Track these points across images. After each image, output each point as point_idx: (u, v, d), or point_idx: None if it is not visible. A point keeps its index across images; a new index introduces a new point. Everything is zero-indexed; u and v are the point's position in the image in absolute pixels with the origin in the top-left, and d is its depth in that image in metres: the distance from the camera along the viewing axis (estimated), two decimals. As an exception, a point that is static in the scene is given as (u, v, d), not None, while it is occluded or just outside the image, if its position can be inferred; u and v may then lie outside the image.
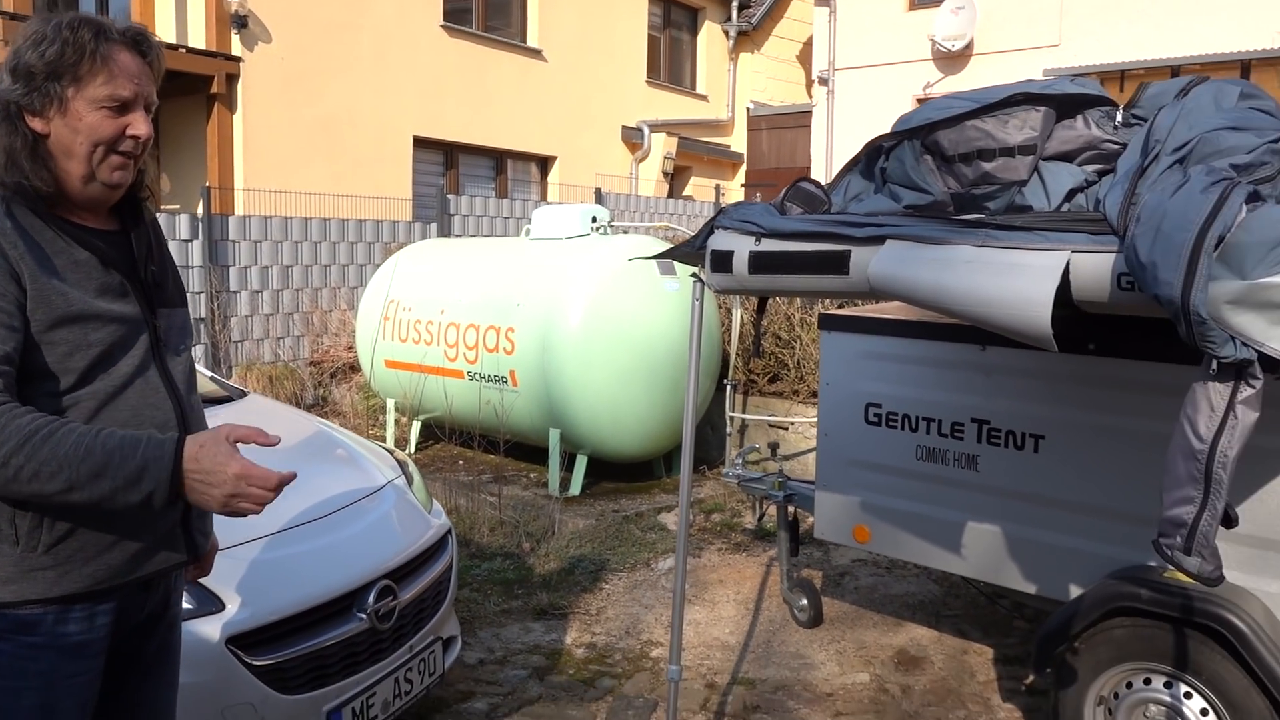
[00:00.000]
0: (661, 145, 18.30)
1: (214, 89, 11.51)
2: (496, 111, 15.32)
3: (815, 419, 7.66)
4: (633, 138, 17.98)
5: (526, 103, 15.83)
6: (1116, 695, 3.44)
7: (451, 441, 7.92)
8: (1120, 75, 14.30)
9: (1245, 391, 2.04)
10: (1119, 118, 2.73)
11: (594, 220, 7.51)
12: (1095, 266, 2.29)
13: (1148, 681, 3.36)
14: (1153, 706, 3.36)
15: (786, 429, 7.85)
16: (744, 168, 20.52)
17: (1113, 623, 3.41)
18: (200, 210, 10.14)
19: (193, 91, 11.43)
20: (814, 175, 17.49)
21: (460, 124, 14.74)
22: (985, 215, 2.61)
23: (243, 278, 10.19)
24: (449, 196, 12.15)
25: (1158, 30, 14.08)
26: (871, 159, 3.08)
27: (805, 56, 20.52)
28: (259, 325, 10.28)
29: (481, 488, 7.24)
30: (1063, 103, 2.77)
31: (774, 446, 5.46)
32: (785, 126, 19.89)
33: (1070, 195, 2.75)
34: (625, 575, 5.75)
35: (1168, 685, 3.32)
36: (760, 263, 2.89)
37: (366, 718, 3.33)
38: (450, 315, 7.58)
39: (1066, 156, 2.79)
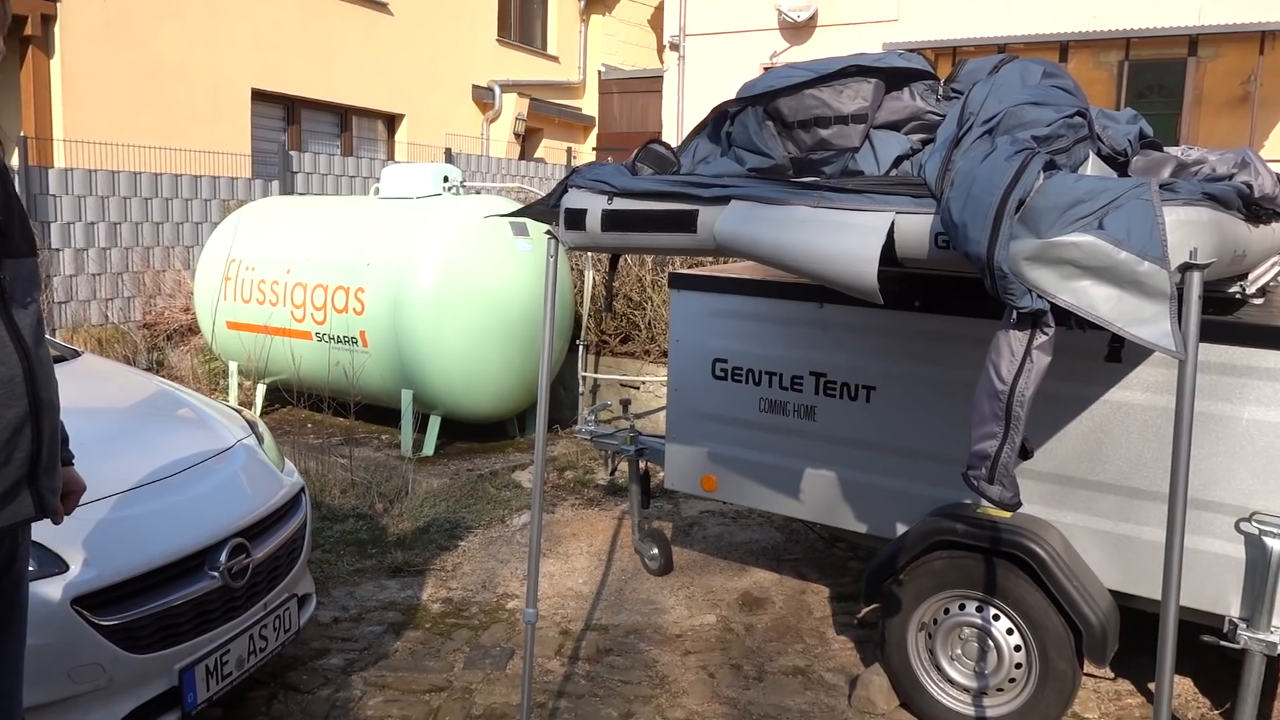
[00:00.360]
0: (513, 106, 18.13)
1: (28, 31, 10.71)
2: (340, 66, 14.83)
3: (666, 378, 7.90)
4: (483, 98, 17.74)
5: (372, 58, 15.38)
6: (936, 621, 3.77)
7: (299, 405, 7.76)
8: (953, 51, 15.08)
9: (1040, 338, 2.30)
10: (940, 91, 2.97)
11: (446, 180, 7.46)
12: (916, 227, 2.52)
13: (962, 607, 3.71)
14: (966, 629, 3.71)
15: (638, 388, 8.05)
16: (595, 131, 20.58)
17: (933, 556, 3.74)
18: (16, 162, 9.46)
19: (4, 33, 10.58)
20: (665, 139, 17.74)
21: (301, 78, 14.20)
22: (820, 179, 2.80)
23: (65, 234, 9.59)
24: (291, 153, 11.72)
25: (986, 10, 14.89)
26: (718, 124, 3.23)
27: (657, 21, 20.67)
28: (85, 285, 9.72)
29: (332, 450, 7.14)
30: (891, 76, 2.99)
31: (625, 403, 5.63)
32: (637, 91, 20.05)
33: (897, 162, 2.98)
34: (481, 532, 5.83)
35: (979, 609, 3.67)
36: (612, 221, 3.01)
37: (220, 675, 3.32)
38: (297, 275, 7.40)
39: (894, 126, 3.01)
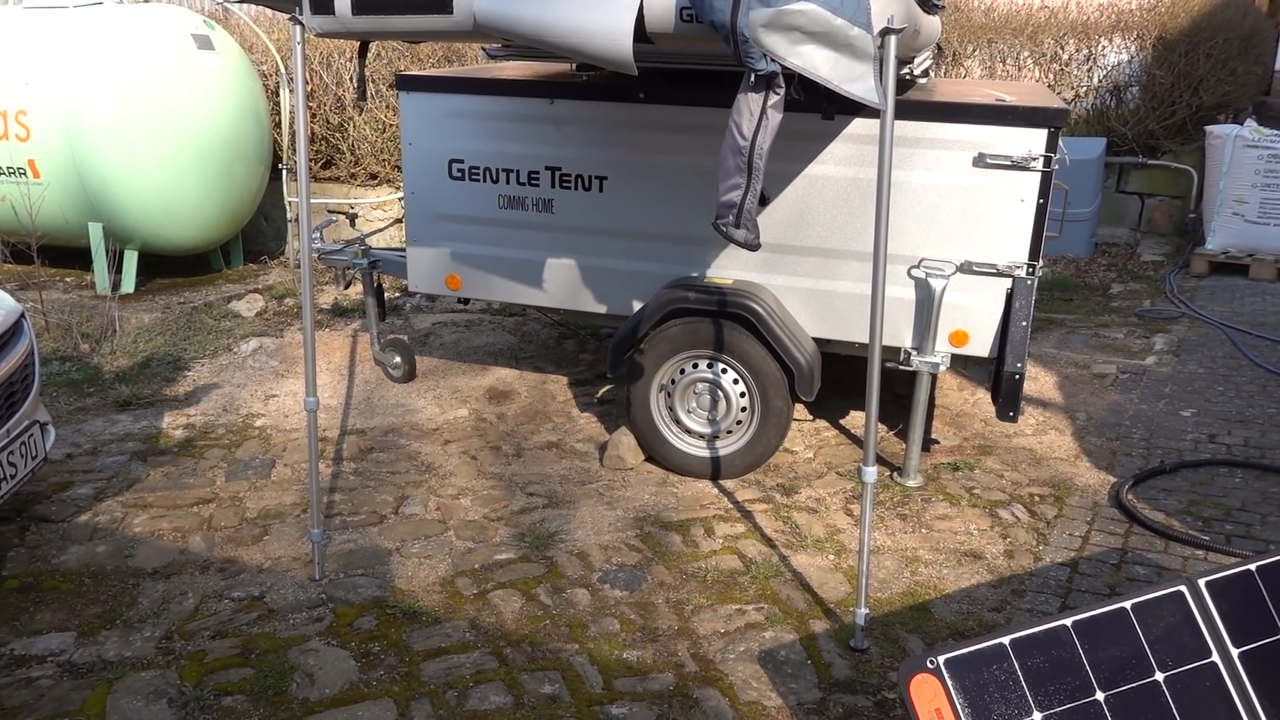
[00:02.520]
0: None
1: None
2: None
3: (375, 201, 7.81)
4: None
5: None
6: (673, 381, 4.29)
7: (-42, 249, 6.90)
8: None
9: (773, 97, 2.69)
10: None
11: (106, -13, 6.68)
12: (663, 2, 2.78)
13: (695, 366, 4.24)
14: (699, 384, 4.26)
15: (345, 213, 7.88)
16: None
17: (669, 324, 4.21)
18: None
19: None
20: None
21: None
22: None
23: None
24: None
25: None
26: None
27: None
28: None
29: (12, 295, 6.47)
30: None
31: (353, 219, 5.59)
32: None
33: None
34: (208, 362, 5.66)
35: (710, 366, 4.22)
36: (364, 4, 3.00)
37: (-23, 502, 3.17)
38: (-68, 99, 6.43)
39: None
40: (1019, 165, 3.80)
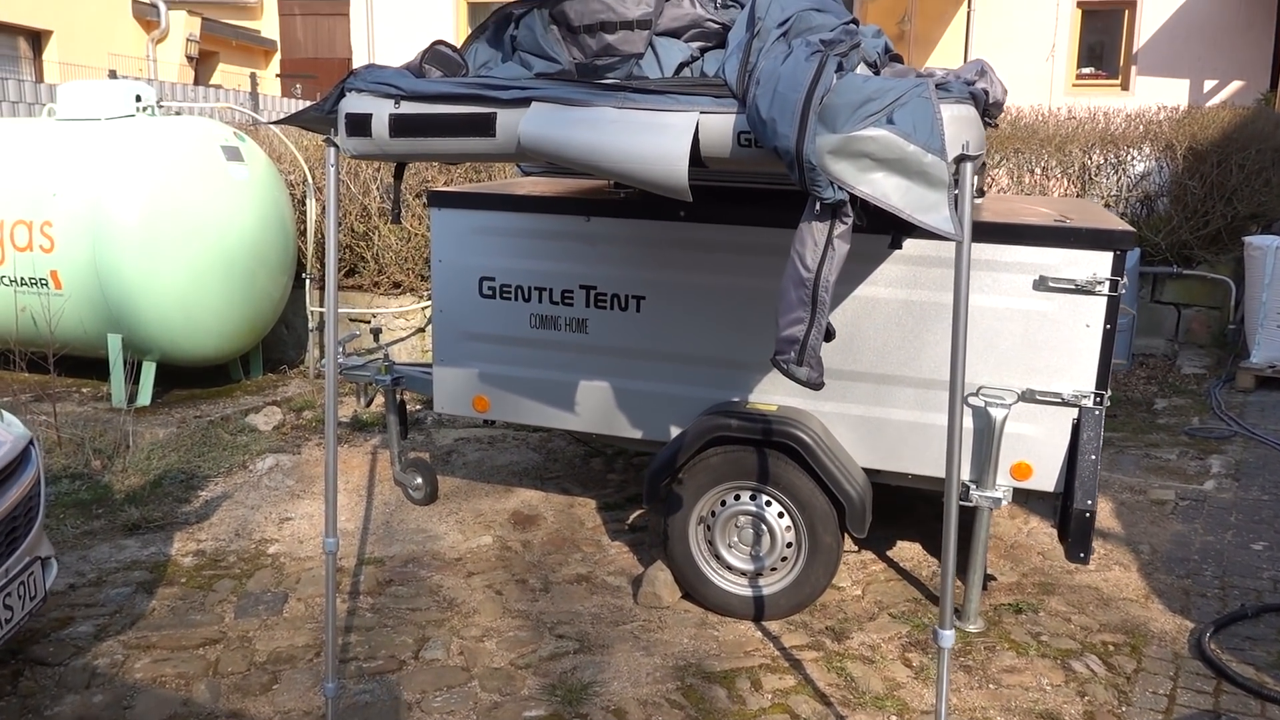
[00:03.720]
0: (183, 26, 16.48)
1: None
2: (-32, -29, 12.76)
3: (398, 310, 7.68)
4: (147, 15, 15.98)
5: (7, -37, 13.35)
6: (713, 513, 4.03)
7: (-25, 360, 6.77)
8: None
9: (839, 227, 2.50)
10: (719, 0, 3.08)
11: (139, 99, 6.68)
12: (720, 126, 2.62)
13: (737, 497, 3.98)
14: (741, 517, 3.99)
15: (368, 322, 7.75)
16: (279, 56, 19.19)
17: (709, 452, 3.97)
18: None
19: None
20: (355, 65, 16.88)
21: (-82, -17, 12.08)
22: (621, 80, 2.83)
23: None
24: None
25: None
26: (501, 27, 3.15)
27: (340, -61, 19.47)
28: None
29: (27, 408, 6.31)
30: (672, -17, 3.06)
31: (376, 332, 5.43)
32: (322, 13, 18.87)
33: (679, 69, 3.07)
34: (222, 480, 5.43)
35: (753, 497, 3.96)
36: (403, 126, 2.86)
37: (-35, 653, 2.91)
38: (-42, 210, 6.38)
39: (674, 33, 3.09)
40: (1084, 289, 3.60)
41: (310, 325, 7.61)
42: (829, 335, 2.64)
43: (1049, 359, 3.70)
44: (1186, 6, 14.22)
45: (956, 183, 2.50)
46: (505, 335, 4.41)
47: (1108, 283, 3.58)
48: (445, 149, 2.89)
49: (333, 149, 3.01)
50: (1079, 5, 14.66)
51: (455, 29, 16.36)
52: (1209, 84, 14.56)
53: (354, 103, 2.95)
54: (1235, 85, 14.30)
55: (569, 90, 2.72)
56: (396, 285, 7.71)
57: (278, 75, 19.01)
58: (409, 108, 2.88)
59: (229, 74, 17.68)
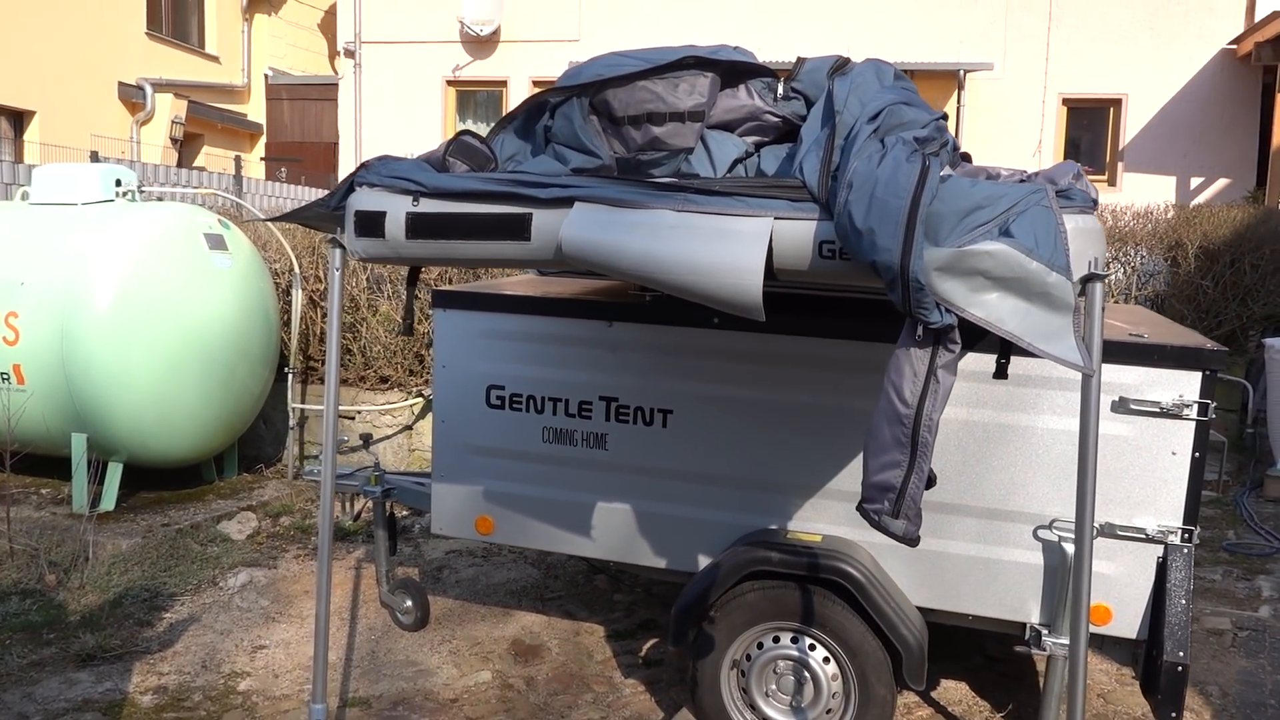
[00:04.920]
0: (168, 108, 16.24)
1: None
2: (-51, 49, 12.48)
3: (383, 406, 7.23)
4: (132, 97, 15.74)
5: (-10, 42, 13.11)
6: (749, 657, 3.56)
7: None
8: (637, 74, 15.39)
9: (944, 356, 2.12)
10: (780, 90, 2.76)
11: (119, 184, 6.30)
12: (797, 233, 2.26)
13: (776, 640, 3.53)
14: (781, 663, 3.53)
15: (353, 418, 7.29)
16: (264, 139, 18.98)
17: (745, 587, 3.53)
18: None
19: None
20: (344, 151, 16.71)
21: (-103, 60, 11.77)
22: (679, 179, 2.47)
23: None
24: (-113, 149, 9.59)
25: (664, 34, 15.36)
26: (532, 116, 2.81)
27: (328, 26, 19.50)
28: None
29: (-26, 512, 5.76)
30: (726, 70, 2.74)
31: (366, 438, 4.97)
32: (309, 98, 18.72)
33: (733, 166, 2.73)
34: (190, 599, 4.90)
35: (794, 640, 3.50)
36: (422, 226, 2.49)
37: None
38: (-84, 297, 5.92)
39: (728, 126, 2.76)
40: (1169, 413, 3.23)
41: (291, 422, 7.13)
42: (930, 482, 2.23)
43: (1130, 490, 3.31)
44: (1171, 105, 14.34)
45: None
46: (514, 450, 3.97)
47: (1196, 406, 3.22)
48: (471, 253, 2.51)
49: (338, 250, 2.63)
50: (1065, 102, 14.76)
51: (444, 115, 16.25)
52: (1195, 181, 14.61)
53: (365, 199, 2.57)
54: (1222, 183, 14.35)
55: (618, 189, 2.35)
56: (384, 380, 7.27)
57: (262, 159, 18.76)
58: (429, 205, 2.51)
59: (213, 156, 17.41)
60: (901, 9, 14.52)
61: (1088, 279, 2.11)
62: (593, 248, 2.29)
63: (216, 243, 6.23)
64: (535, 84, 15.90)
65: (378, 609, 4.85)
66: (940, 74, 14.25)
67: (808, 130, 2.45)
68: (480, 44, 16.07)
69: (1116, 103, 14.51)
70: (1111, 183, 14.84)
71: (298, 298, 7.02)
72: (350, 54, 16.61)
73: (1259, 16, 13.36)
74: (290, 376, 7.04)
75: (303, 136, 18.74)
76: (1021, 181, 2.43)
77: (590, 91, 2.67)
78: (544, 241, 2.41)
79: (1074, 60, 14.38)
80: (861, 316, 3.48)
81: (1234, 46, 13.63)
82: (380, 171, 2.58)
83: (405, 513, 6.21)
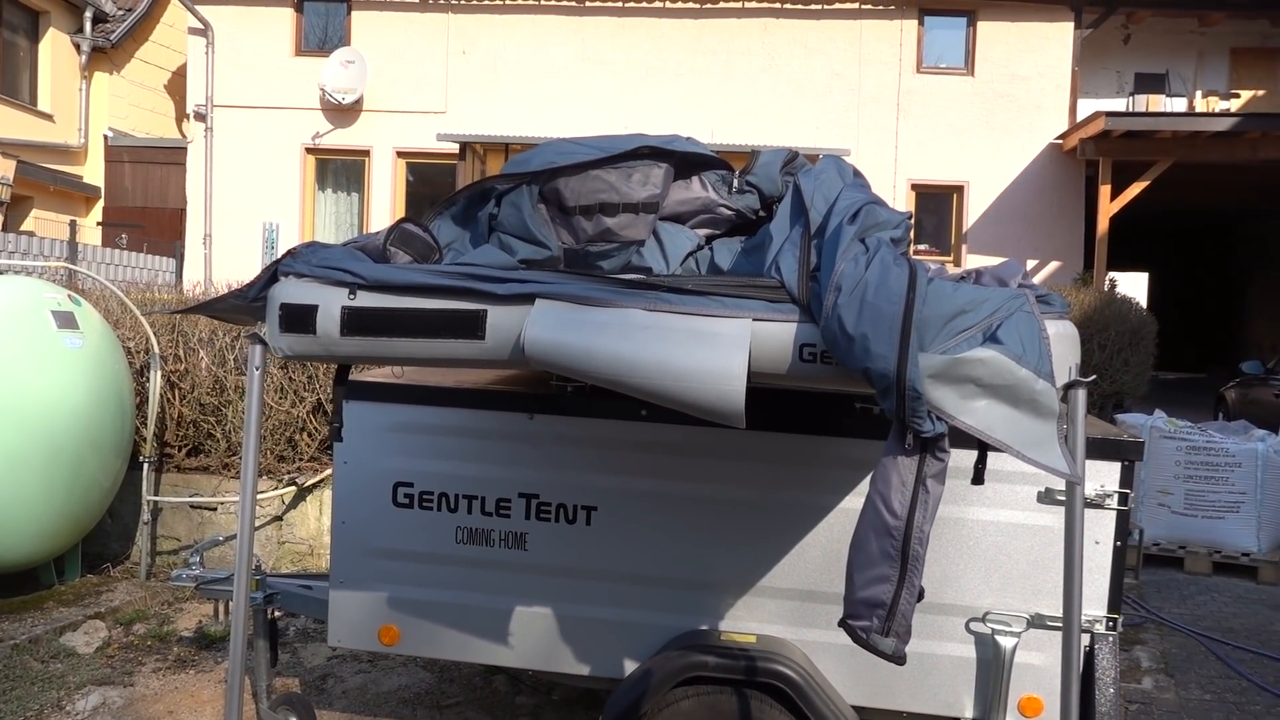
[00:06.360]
0: (-6, 168, 15.09)
1: None
2: None
3: (257, 495, 6.71)
4: (-49, 155, 14.55)
5: None
6: (682, 769, 3.36)
7: None
8: (504, 148, 15.30)
9: (934, 465, 2.05)
10: (735, 183, 2.68)
11: (-49, 254, 5.70)
12: (776, 336, 2.16)
13: (711, 749, 3.34)
14: (717, 774, 3.34)
15: (215, 509, 6.75)
16: (102, 203, 17.87)
17: (679, 693, 3.35)
18: None
19: None
20: (192, 217, 15.90)
21: None
22: (648, 276, 2.34)
23: None
24: None
25: (531, 110, 15.36)
26: (474, 203, 2.63)
27: (176, 87, 18.68)
28: None
29: None
30: (679, 161, 2.65)
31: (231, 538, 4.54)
32: (154, 161, 17.80)
33: (685, 259, 2.62)
34: (33, 728, 4.32)
35: (730, 749, 3.33)
36: (360, 322, 2.26)
37: None
38: None
39: (679, 218, 2.67)
40: (1092, 503, 3.28)
41: (143, 517, 6.52)
42: (920, 596, 2.14)
43: (1057, 579, 3.32)
44: (1007, 193, 15.31)
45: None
46: (424, 552, 3.69)
47: (1116, 495, 3.29)
48: (416, 352, 2.30)
49: (259, 348, 2.36)
50: (913, 187, 15.53)
51: (302, 183, 15.71)
52: (1031, 263, 15.56)
53: (292, 290, 2.33)
54: (1054, 265, 15.34)
55: (584, 286, 2.20)
56: (250, 467, 6.76)
57: (99, 223, 17.62)
58: (368, 299, 2.29)
59: (43, 220, 16.22)
60: (761, 93, 15.03)
61: (1071, 385, 2.10)
62: (558, 350, 2.13)
63: (66, 321, 5.69)
64: (399, 154, 15.65)
65: (256, 728, 4.39)
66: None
67: (776, 228, 2.37)
68: (342, 112, 15.69)
69: (959, 189, 15.37)
70: (956, 263, 15.64)
71: (155, 379, 6.48)
72: (201, 117, 15.91)
73: (1080, 116, 14.52)
74: (146, 466, 6.45)
75: (146, 201, 17.76)
76: (974, 282, 2.42)
77: (541, 179, 2.52)
78: (500, 341, 2.22)
79: (919, 149, 15.20)
80: (794, 408, 3.41)
81: (1060, 141, 14.71)
82: (310, 260, 2.34)
83: (278, 613, 5.72)
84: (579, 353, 2.11)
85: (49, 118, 16.93)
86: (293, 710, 4.27)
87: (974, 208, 15.36)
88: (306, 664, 5.14)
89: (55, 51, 17.10)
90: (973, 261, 15.49)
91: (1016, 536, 3.34)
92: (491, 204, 2.60)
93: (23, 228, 15.91)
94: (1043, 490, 3.32)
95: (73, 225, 14.27)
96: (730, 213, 2.64)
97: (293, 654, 5.26)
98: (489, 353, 2.25)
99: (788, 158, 2.68)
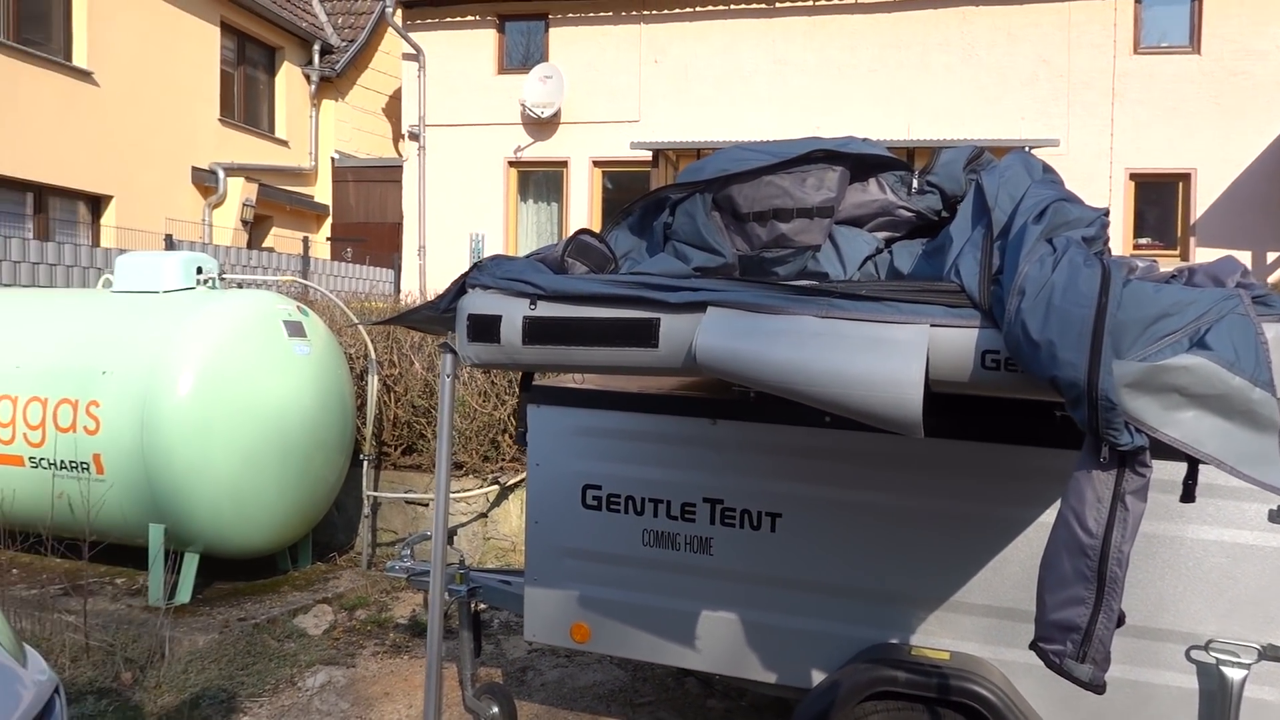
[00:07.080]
0: (239, 191, 16.64)
1: None
2: (31, 138, 12.91)
3: (458, 494, 7.08)
4: (205, 181, 16.15)
5: (72, 131, 13.54)
6: (870, 784, 3.28)
7: (7, 546, 6.18)
8: (696, 152, 15.43)
9: (1134, 481, 1.91)
10: (914, 184, 2.60)
11: (200, 271, 6.34)
12: (956, 342, 2.08)
13: (900, 765, 3.24)
14: (908, 791, 3.24)
15: (426, 504, 7.16)
16: (330, 220, 19.36)
17: (867, 707, 3.27)
18: None
19: None
20: (408, 230, 16.93)
21: (-16, 149, 12.20)
22: (821, 282, 2.31)
23: None
24: (-29, 236, 9.85)
25: (722, 115, 15.38)
26: (649, 213, 2.68)
27: (393, 110, 19.97)
28: None
29: (53, 603, 5.68)
30: (855, 163, 2.59)
31: (452, 533, 4.81)
32: (374, 180, 19.11)
33: (863, 264, 2.56)
34: (267, 701, 4.73)
35: (921, 767, 3.22)
36: (540, 331, 2.36)
37: None
38: (3, 386, 5.95)
39: (856, 221, 2.60)
40: (1336, 523, 2.94)
41: (364, 511, 7.01)
42: (1120, 621, 2.00)
43: (1295, 607, 3.01)
44: (1240, 180, 13.99)
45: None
46: (612, 554, 3.78)
47: (1366, 515, 2.93)
48: (593, 359, 2.36)
49: (449, 356, 2.49)
50: (1132, 177, 14.46)
51: (505, 194, 16.41)
52: (1272, 255, 14.17)
53: (478, 301, 2.45)
54: (1296, 255, 13.90)
55: (755, 293, 2.20)
56: (459, 466, 7.14)
57: (328, 239, 19.10)
58: (548, 309, 2.37)
59: (281, 238, 17.76)
60: (961, 86, 14.43)
61: (1295, 395, 1.90)
62: (731, 357, 2.13)
63: (295, 330, 6.20)
64: (595, 163, 16.04)
65: (462, 713, 4.63)
66: (1005, 151, 14.07)
67: (957, 229, 2.28)
68: (541, 125, 16.26)
69: (1185, 177, 14.20)
70: (1184, 257, 14.46)
71: (373, 383, 6.96)
72: (414, 137, 16.91)
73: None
74: (365, 464, 6.94)
75: (367, 217, 19.08)
76: (1185, 282, 2.23)
77: (714, 187, 2.54)
78: (673, 348, 2.26)
79: (1138, 135, 14.14)
80: (990, 416, 3.25)
81: (1303, 120, 13.31)
82: (494, 272, 2.45)
83: (484, 606, 6.01)
84: (751, 360, 2.10)
85: (284, 144, 18.50)
86: (495, 700, 4.47)
87: (1202, 198, 14.14)
88: (509, 656, 5.37)
89: (289, 83, 18.68)
90: (1202, 256, 14.26)
91: (1245, 558, 3.05)
92: (666, 213, 2.64)
93: (264, 244, 17.47)
94: (1275, 508, 3.01)
95: (305, 241, 15.53)
96: (910, 214, 2.56)
97: (496, 645, 5.51)
98: (662, 360, 2.29)
99: (972, 155, 2.57)
